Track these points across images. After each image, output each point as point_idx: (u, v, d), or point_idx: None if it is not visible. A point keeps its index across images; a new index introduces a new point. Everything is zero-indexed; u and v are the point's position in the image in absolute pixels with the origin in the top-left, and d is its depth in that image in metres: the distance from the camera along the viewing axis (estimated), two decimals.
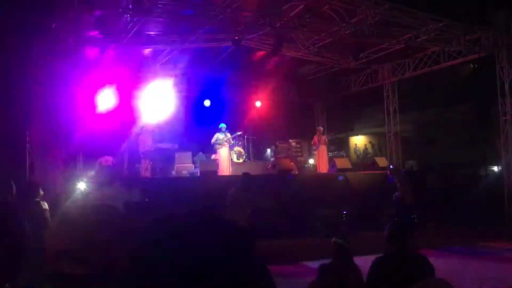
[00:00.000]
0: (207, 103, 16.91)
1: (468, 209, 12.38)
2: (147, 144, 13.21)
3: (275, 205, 10.53)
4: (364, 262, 4.15)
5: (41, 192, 5.96)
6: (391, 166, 13.53)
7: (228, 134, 13.86)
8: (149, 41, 12.40)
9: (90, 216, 1.06)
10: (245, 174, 7.68)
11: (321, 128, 15.74)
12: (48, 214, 5.31)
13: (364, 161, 18.35)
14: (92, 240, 0.97)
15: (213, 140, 13.71)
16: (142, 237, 0.71)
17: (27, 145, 10.39)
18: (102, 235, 0.97)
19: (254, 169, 13.15)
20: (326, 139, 15.30)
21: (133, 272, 0.67)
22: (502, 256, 9.26)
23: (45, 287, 1.02)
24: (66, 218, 1.04)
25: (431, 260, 3.81)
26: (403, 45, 13.01)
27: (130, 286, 0.68)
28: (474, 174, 16.99)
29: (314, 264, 6.51)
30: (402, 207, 11.45)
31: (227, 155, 13.71)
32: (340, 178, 12.10)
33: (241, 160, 15.17)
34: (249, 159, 15.76)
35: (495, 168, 17.48)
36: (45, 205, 5.59)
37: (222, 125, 13.87)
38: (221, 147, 13.58)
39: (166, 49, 13.37)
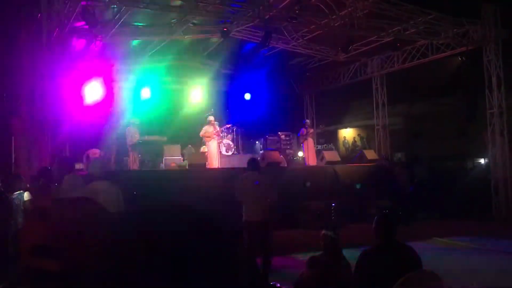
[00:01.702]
0: (195, 95, 16.79)
1: (455, 200, 12.49)
2: (135, 136, 13.10)
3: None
4: (352, 254, 4.15)
5: (27, 185, 5.88)
6: (383, 155, 13.68)
7: (217, 127, 13.80)
8: (137, 32, 12.25)
9: (68, 210, 1.02)
10: (253, 159, 7.43)
11: (308, 121, 15.75)
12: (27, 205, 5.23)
13: (353, 154, 18.40)
14: (68, 235, 0.93)
15: (201, 133, 13.63)
16: (116, 231, 0.68)
17: (13, 137, 10.24)
18: (78, 229, 0.93)
19: (243, 162, 13.11)
20: (314, 132, 15.31)
21: (107, 266, 0.64)
22: (488, 247, 9.36)
23: (20, 283, 0.98)
24: (41, 212, 1.00)
25: (418, 251, 3.82)
26: (392, 38, 13.03)
27: (104, 281, 0.65)
28: (461, 166, 17.12)
29: (304, 257, 6.52)
30: (400, 197, 11.56)
31: (215, 148, 13.65)
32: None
33: (230, 153, 15.13)
34: (238, 151, 15.72)
35: (482, 161, 17.63)
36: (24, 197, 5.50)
37: (211, 118, 13.78)
38: (210, 140, 13.51)
39: (154, 40, 13.23)
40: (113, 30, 10.97)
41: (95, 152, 12.29)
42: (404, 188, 11.78)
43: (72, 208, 1.00)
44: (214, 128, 13.62)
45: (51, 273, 0.90)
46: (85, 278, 0.68)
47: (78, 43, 12.11)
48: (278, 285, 6.06)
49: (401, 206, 11.47)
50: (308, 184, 11.54)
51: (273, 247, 6.82)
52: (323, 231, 4.41)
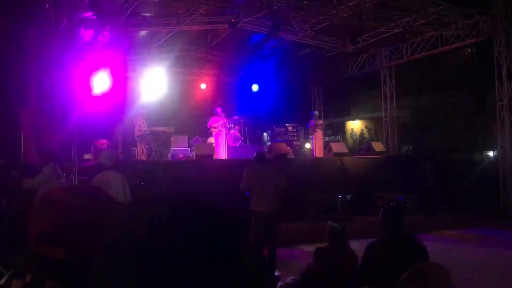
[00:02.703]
0: (203, 86, 16.78)
1: (464, 193, 12.43)
2: (142, 127, 13.15)
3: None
4: (359, 246, 4.16)
5: None
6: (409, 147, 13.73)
7: (225, 118, 13.81)
8: (145, 23, 12.24)
9: (76, 197, 1.02)
10: (259, 151, 7.51)
11: (317, 113, 15.71)
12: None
13: (361, 145, 18.37)
14: (75, 223, 0.93)
15: (209, 124, 13.65)
16: (123, 220, 0.68)
17: (22, 128, 10.32)
18: (86, 218, 0.94)
19: (250, 153, 13.13)
20: (322, 124, 15.27)
21: (115, 256, 0.64)
22: (496, 240, 9.33)
23: (27, 270, 0.99)
24: (50, 198, 1.00)
25: (426, 244, 3.81)
26: (401, 29, 12.91)
27: (112, 270, 0.65)
28: (470, 159, 17.04)
29: (310, 248, 6.54)
30: (427, 190, 11.51)
31: (223, 139, 13.67)
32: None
33: (237, 144, 15.14)
34: (245, 143, 15.74)
35: (491, 153, 17.53)
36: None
37: (218, 109, 13.79)
38: (217, 131, 13.53)
39: (161, 31, 13.22)
40: (121, 20, 10.97)
41: (102, 143, 12.36)
42: (429, 180, 11.68)
43: (80, 196, 1.01)
44: (222, 119, 13.63)
45: (57, 261, 0.91)
46: (91, 266, 0.68)
47: (86, 34, 12.12)
48: (277, 274, 6.08)
49: (425, 198, 11.45)
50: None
51: (279, 238, 6.87)
52: (330, 222, 4.41)
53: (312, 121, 14.90)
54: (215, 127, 13.52)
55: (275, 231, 6.69)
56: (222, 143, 13.51)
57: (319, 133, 14.91)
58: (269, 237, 6.56)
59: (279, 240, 6.90)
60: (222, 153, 13.33)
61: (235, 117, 15.32)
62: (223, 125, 13.65)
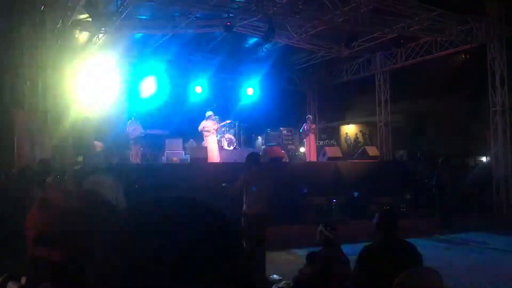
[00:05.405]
0: (198, 89, 16.81)
1: (457, 198, 12.49)
2: (137, 130, 13.12)
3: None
4: (353, 250, 4.16)
5: None
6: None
7: (216, 122, 13.72)
8: (140, 25, 12.23)
9: (72, 201, 1.02)
10: (253, 153, 7.52)
11: (311, 117, 15.74)
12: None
13: (355, 150, 18.41)
14: (71, 226, 0.94)
15: (200, 128, 13.55)
16: (118, 223, 0.68)
17: (15, 129, 10.26)
18: (83, 221, 0.94)
19: (244, 156, 13.10)
20: (316, 128, 15.32)
21: (111, 259, 0.65)
22: (489, 245, 9.37)
23: (23, 272, 0.99)
24: (46, 202, 1.01)
25: (420, 249, 3.83)
26: (396, 34, 12.99)
27: (109, 272, 0.66)
28: (463, 164, 17.11)
29: (304, 252, 6.55)
30: (442, 194, 11.42)
31: (215, 142, 13.60)
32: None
33: (231, 148, 15.13)
34: (239, 146, 15.73)
35: (484, 159, 17.62)
36: None
37: (210, 113, 13.66)
38: (209, 135, 13.46)
39: (157, 34, 13.21)
40: (117, 23, 10.95)
41: (97, 145, 12.33)
42: (446, 187, 11.35)
43: (76, 199, 1.01)
44: (213, 123, 13.54)
45: (53, 263, 0.91)
46: (88, 268, 0.69)
47: (81, 36, 12.10)
48: (275, 276, 6.09)
49: (443, 206, 11.24)
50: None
51: (270, 241, 6.89)
52: (319, 228, 4.42)
53: (305, 125, 14.93)
54: (207, 131, 13.46)
55: (264, 233, 6.71)
56: (214, 147, 13.45)
57: (312, 137, 14.95)
58: (259, 240, 6.56)
59: (271, 243, 6.91)
60: (214, 157, 13.29)
61: (228, 121, 15.27)
62: (216, 129, 13.58)
